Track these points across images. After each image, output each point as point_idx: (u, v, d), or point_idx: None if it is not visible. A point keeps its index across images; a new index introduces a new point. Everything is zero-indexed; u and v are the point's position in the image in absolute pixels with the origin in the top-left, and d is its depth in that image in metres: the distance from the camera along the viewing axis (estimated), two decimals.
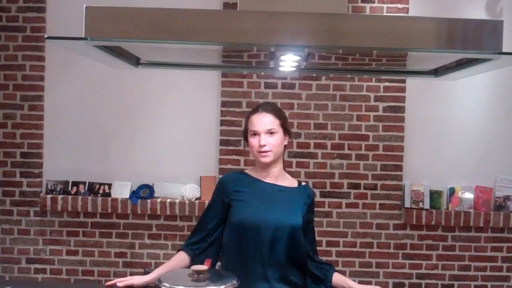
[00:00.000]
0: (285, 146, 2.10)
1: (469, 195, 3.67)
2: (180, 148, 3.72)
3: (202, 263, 1.92)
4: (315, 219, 2.20)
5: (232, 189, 2.05)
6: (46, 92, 3.74)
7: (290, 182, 2.12)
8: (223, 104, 3.68)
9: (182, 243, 2.16)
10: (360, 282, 3.65)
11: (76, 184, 3.73)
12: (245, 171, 2.14)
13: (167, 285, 1.65)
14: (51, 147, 3.75)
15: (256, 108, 2.08)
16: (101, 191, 3.71)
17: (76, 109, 3.75)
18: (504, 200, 3.67)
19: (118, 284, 1.91)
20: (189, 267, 1.92)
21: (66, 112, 3.75)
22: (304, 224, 2.05)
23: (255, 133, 2.02)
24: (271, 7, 1.54)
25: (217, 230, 2.06)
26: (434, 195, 3.67)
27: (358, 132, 3.67)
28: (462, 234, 3.68)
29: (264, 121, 2.02)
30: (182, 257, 2.03)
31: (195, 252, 2.04)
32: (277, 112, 2.08)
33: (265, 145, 2.00)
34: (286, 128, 2.08)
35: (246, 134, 2.09)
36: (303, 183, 2.16)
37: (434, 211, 3.64)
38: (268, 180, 2.07)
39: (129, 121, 3.74)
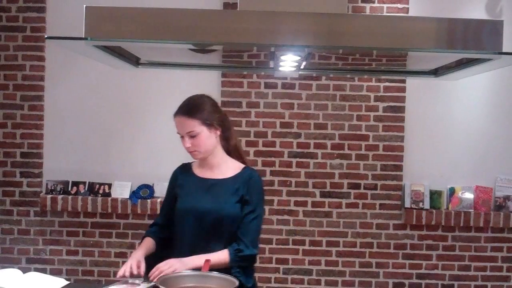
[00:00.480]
0: (221, 135, 2.10)
1: (469, 195, 3.67)
2: (180, 148, 3.70)
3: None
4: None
5: (176, 180, 2.19)
6: (46, 92, 3.74)
7: (232, 170, 2.12)
8: (223, 104, 3.68)
9: None
10: (360, 282, 3.69)
11: (76, 184, 3.73)
12: (192, 162, 2.21)
13: None
14: (51, 147, 3.75)
15: (176, 110, 2.06)
16: (101, 191, 3.71)
17: (76, 109, 3.75)
18: (504, 200, 3.67)
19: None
20: (155, 250, 2.11)
21: (66, 112, 3.75)
22: (244, 209, 2.06)
23: (181, 135, 2.06)
24: (271, 7, 1.54)
25: (171, 216, 2.16)
26: (434, 195, 3.67)
27: (358, 132, 3.67)
28: (462, 234, 3.68)
29: (182, 125, 2.04)
30: (150, 242, 2.15)
31: (159, 235, 2.17)
32: (194, 110, 2.04)
33: (189, 146, 2.05)
34: (209, 123, 2.05)
35: None
36: (246, 168, 2.14)
37: (434, 211, 3.64)
38: (205, 172, 2.13)
39: (129, 121, 3.74)
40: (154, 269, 1.92)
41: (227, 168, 2.13)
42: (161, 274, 1.87)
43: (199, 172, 2.15)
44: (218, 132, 2.09)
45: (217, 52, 1.86)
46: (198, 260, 1.95)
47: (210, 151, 2.09)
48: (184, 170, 2.20)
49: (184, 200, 2.11)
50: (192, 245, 2.05)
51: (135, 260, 2.00)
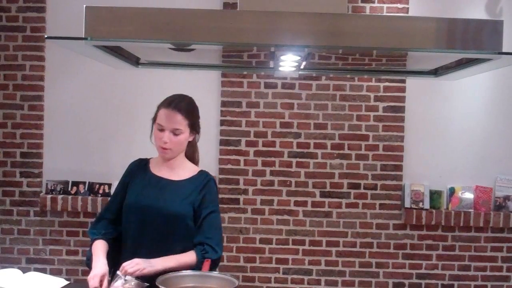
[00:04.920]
0: (189, 141, 2.11)
1: (469, 195, 3.67)
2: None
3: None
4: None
5: (131, 175, 2.15)
6: (46, 92, 3.74)
7: (188, 172, 2.12)
8: (223, 104, 3.68)
9: None
10: (360, 282, 3.69)
11: (76, 184, 3.73)
12: (150, 159, 2.19)
13: None
14: (51, 147, 3.75)
15: (169, 102, 2.04)
16: (101, 191, 3.71)
17: (76, 109, 3.75)
18: (504, 200, 3.67)
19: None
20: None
21: (66, 112, 3.75)
22: (198, 210, 2.06)
23: (161, 128, 2.03)
24: (271, 7, 1.54)
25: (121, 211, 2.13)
26: (434, 195, 3.67)
27: (358, 132, 3.67)
28: (462, 234, 3.68)
29: (172, 119, 2.02)
30: (104, 246, 2.07)
31: (110, 236, 2.10)
32: (190, 111, 2.06)
33: (167, 142, 2.02)
34: (194, 128, 2.08)
35: (154, 119, 2.10)
36: (202, 172, 2.15)
37: (434, 211, 3.64)
38: (162, 171, 2.11)
39: (129, 121, 3.74)
40: (120, 269, 1.88)
41: (183, 170, 2.13)
42: (124, 272, 1.85)
43: (156, 170, 2.13)
44: (192, 138, 2.11)
45: (216, 52, 1.85)
46: (167, 261, 1.93)
47: (179, 153, 2.10)
48: (141, 166, 2.18)
49: (131, 195, 2.09)
50: (136, 243, 2.03)
51: (100, 275, 1.92)
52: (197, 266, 1.97)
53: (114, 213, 2.13)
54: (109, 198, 3.61)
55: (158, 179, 2.10)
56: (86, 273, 3.85)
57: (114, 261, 2.04)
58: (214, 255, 2.01)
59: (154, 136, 2.09)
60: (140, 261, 1.89)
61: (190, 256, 2.00)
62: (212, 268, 2.00)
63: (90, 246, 2.08)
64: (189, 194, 2.07)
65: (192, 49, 1.71)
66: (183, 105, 2.05)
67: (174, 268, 1.93)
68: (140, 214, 2.04)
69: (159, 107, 2.07)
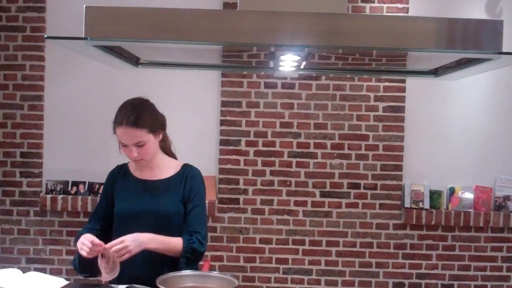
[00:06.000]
0: (162, 138, 2.11)
1: (469, 195, 3.67)
2: (180, 148, 3.71)
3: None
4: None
5: (113, 183, 2.14)
6: (46, 92, 3.74)
7: (171, 168, 2.12)
8: (223, 104, 3.68)
9: None
10: (360, 282, 3.69)
11: (76, 184, 3.73)
12: (128, 163, 2.18)
13: None
14: (51, 147, 3.75)
15: (121, 120, 1.99)
16: (101, 191, 3.70)
17: (76, 109, 3.75)
18: (504, 200, 3.67)
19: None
20: None
21: (66, 112, 3.75)
22: (186, 207, 2.07)
23: (125, 145, 2.02)
24: (271, 7, 1.54)
25: (106, 219, 2.11)
26: (434, 195, 3.67)
27: (358, 132, 3.67)
28: (462, 234, 3.68)
29: (131, 136, 1.99)
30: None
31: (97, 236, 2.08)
32: (143, 119, 1.99)
33: (136, 155, 2.01)
34: (155, 130, 2.04)
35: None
36: (186, 166, 2.15)
37: (434, 211, 3.64)
38: (144, 173, 2.10)
39: None
40: (108, 245, 1.86)
41: (166, 167, 2.12)
42: (112, 250, 1.83)
43: (138, 173, 2.13)
44: (161, 136, 2.10)
45: (216, 52, 1.85)
46: (154, 241, 1.92)
47: (153, 155, 2.08)
48: (121, 172, 2.17)
49: (123, 203, 2.08)
50: None
51: (89, 238, 1.89)
52: (182, 256, 1.96)
53: (99, 223, 2.12)
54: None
55: (143, 182, 2.10)
56: None
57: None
58: (200, 247, 2.01)
59: (122, 150, 2.08)
60: (128, 240, 1.87)
61: (177, 241, 1.98)
62: (195, 262, 2.02)
63: (77, 253, 2.01)
64: (177, 192, 2.07)
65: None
66: (134, 118, 1.98)
67: (160, 250, 1.93)
68: (134, 220, 2.03)
69: (114, 125, 2.04)
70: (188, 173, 2.11)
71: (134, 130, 1.98)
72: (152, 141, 2.04)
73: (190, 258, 1.99)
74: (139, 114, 2.01)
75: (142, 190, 2.08)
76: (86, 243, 1.87)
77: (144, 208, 2.03)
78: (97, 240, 1.88)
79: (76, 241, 2.01)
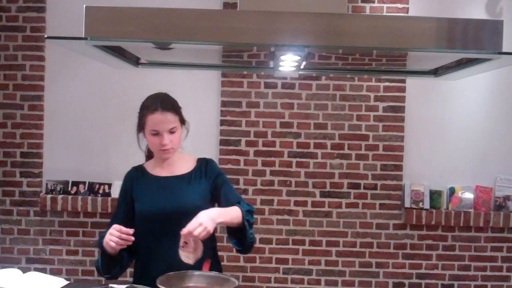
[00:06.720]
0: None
1: (469, 195, 3.67)
2: (180, 148, 3.72)
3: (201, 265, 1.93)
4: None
5: (132, 183, 2.13)
6: (46, 92, 3.74)
7: (188, 163, 2.14)
8: (223, 104, 3.68)
9: None
10: (360, 282, 3.69)
11: (76, 184, 3.73)
12: (144, 164, 2.19)
13: None
14: (51, 147, 3.75)
15: (155, 107, 2.03)
16: (101, 191, 3.71)
17: (76, 109, 3.75)
18: (504, 200, 3.67)
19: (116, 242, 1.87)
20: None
21: (66, 112, 3.75)
22: (217, 189, 2.09)
23: (156, 133, 2.03)
24: (271, 7, 1.54)
25: (128, 221, 2.08)
26: (434, 195, 3.67)
27: (358, 132, 3.67)
28: (462, 234, 3.68)
29: (165, 121, 2.02)
30: None
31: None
32: (175, 106, 2.07)
33: (167, 144, 2.03)
34: (182, 121, 2.11)
35: (140, 128, 2.09)
36: (201, 160, 2.17)
37: (434, 211, 3.64)
38: (162, 170, 2.11)
39: (129, 121, 3.71)
40: (186, 231, 1.82)
41: (183, 163, 2.14)
42: (194, 233, 1.80)
43: (156, 171, 2.13)
44: (183, 129, 2.14)
45: (216, 52, 1.86)
46: (222, 215, 1.92)
47: (178, 148, 2.12)
48: (138, 172, 2.16)
49: (145, 202, 2.07)
50: (157, 247, 2.01)
51: (117, 228, 1.88)
52: (243, 219, 1.97)
53: (120, 224, 2.08)
54: (108, 198, 3.65)
55: (163, 179, 2.10)
56: (86, 273, 3.88)
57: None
58: (251, 207, 2.05)
59: (150, 142, 2.08)
60: (204, 220, 1.83)
61: (235, 209, 2.00)
62: (252, 221, 2.03)
63: (100, 254, 2.01)
64: (199, 184, 2.08)
65: (171, 48, 1.71)
66: (171, 104, 2.06)
67: (227, 222, 1.95)
68: (158, 217, 2.02)
69: (143, 115, 2.05)
70: (205, 164, 2.15)
71: (170, 114, 2.03)
72: (180, 131, 2.09)
73: (250, 220, 2.01)
74: (173, 102, 2.08)
75: (163, 187, 2.08)
76: (115, 232, 1.86)
77: (168, 204, 2.03)
78: (124, 229, 1.86)
79: (99, 243, 2.02)
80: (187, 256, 1.85)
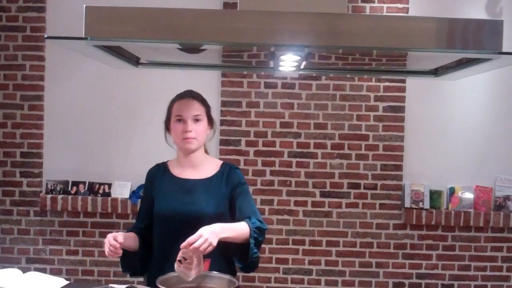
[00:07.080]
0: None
1: (469, 195, 3.67)
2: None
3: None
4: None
5: (153, 181, 2.13)
6: (46, 92, 3.74)
7: (211, 167, 2.11)
8: (223, 104, 3.69)
9: None
10: (360, 282, 3.69)
11: (76, 184, 3.73)
12: (168, 162, 2.17)
13: None
14: (51, 147, 3.75)
15: (182, 95, 2.09)
16: (101, 191, 3.71)
17: (76, 109, 3.75)
18: (504, 200, 3.67)
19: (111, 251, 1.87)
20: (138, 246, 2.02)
21: (66, 112, 3.75)
22: (234, 199, 2.07)
23: (180, 119, 2.03)
24: (271, 7, 1.54)
25: (150, 218, 2.10)
26: (434, 195, 3.67)
27: (358, 132, 3.67)
28: (462, 234, 3.68)
29: (190, 107, 2.04)
30: (133, 234, 2.06)
31: (142, 238, 2.08)
32: (204, 99, 2.11)
33: (190, 131, 2.01)
34: (210, 117, 2.10)
35: (167, 123, 2.10)
36: (224, 164, 2.15)
37: (434, 211, 3.64)
38: (185, 172, 2.08)
39: (129, 121, 3.74)
40: (185, 244, 1.77)
41: (207, 166, 2.11)
42: (193, 246, 1.74)
43: (178, 172, 2.10)
44: (209, 131, 2.11)
45: (217, 52, 1.86)
46: (226, 230, 1.86)
47: (202, 144, 2.09)
48: (160, 170, 2.14)
49: (162, 202, 2.06)
50: (171, 249, 1.94)
51: (111, 236, 1.87)
52: (250, 237, 1.92)
53: (144, 222, 2.12)
54: (108, 198, 3.65)
55: (183, 181, 2.07)
56: (86, 273, 3.88)
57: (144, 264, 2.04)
58: (263, 225, 2.03)
59: (173, 131, 2.06)
60: (205, 233, 1.77)
61: (243, 225, 1.95)
62: (261, 242, 1.99)
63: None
64: (219, 190, 2.05)
65: (202, 50, 1.71)
66: (197, 94, 2.11)
67: (231, 238, 1.88)
68: (173, 220, 2.00)
69: (172, 102, 2.09)
70: (228, 171, 2.10)
71: (196, 102, 2.05)
72: (205, 124, 2.07)
73: (258, 238, 1.97)
74: (201, 95, 2.12)
75: (181, 189, 2.05)
76: (108, 241, 1.85)
77: (183, 208, 2.00)
78: (113, 241, 1.84)
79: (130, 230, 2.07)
80: (185, 273, 1.78)
